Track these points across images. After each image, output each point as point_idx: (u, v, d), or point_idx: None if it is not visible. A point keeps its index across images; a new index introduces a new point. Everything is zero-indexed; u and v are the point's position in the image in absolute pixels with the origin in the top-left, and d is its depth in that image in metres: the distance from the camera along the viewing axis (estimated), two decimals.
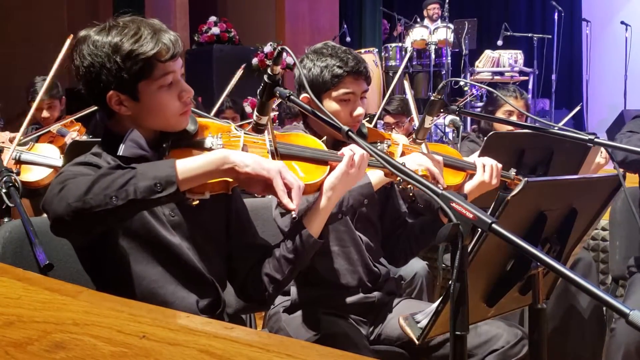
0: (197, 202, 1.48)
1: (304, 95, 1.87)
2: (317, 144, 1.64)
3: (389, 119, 4.30)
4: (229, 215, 1.61)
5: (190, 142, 1.52)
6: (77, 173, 1.35)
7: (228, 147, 1.53)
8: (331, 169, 1.59)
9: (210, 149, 1.51)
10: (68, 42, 2.72)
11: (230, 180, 1.47)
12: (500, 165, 2.02)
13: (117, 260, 1.44)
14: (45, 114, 3.83)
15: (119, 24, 1.45)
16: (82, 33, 1.46)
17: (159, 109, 1.46)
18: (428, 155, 1.83)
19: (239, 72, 4.19)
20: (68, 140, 3.47)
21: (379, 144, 1.96)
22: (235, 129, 1.59)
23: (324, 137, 1.87)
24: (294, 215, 1.40)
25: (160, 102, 1.46)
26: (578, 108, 4.65)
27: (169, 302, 1.44)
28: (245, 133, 1.57)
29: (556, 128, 1.86)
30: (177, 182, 1.27)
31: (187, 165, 1.31)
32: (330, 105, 1.87)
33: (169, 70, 1.45)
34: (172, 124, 1.49)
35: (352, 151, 1.58)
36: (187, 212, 1.50)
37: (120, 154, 1.44)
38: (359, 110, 1.89)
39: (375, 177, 1.80)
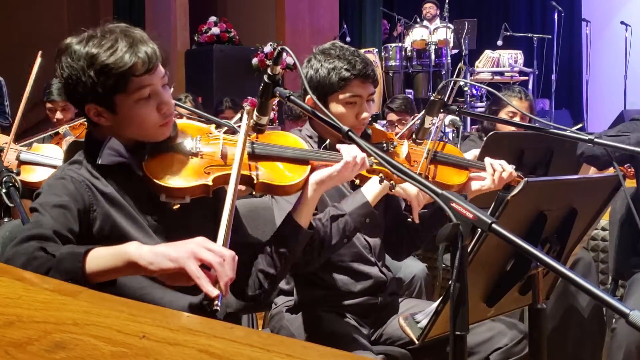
0: (178, 205, 1.48)
1: (309, 96, 1.87)
2: (298, 144, 1.63)
3: (392, 116, 4.29)
4: (217, 215, 1.60)
5: (169, 147, 1.50)
6: (45, 205, 1.36)
7: (207, 149, 1.52)
8: (312, 168, 1.58)
9: (190, 152, 1.50)
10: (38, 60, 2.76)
11: (210, 183, 1.47)
12: (507, 168, 2.01)
13: None
14: (59, 115, 3.84)
15: (96, 35, 1.43)
16: (66, 41, 1.46)
17: (137, 121, 1.45)
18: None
19: None
20: (66, 142, 3.48)
21: (384, 144, 1.96)
22: (223, 129, 1.59)
23: (328, 140, 1.87)
24: (216, 305, 1.21)
25: (138, 115, 1.44)
26: (580, 125, 4.64)
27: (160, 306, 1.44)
28: (224, 134, 1.56)
29: (560, 129, 1.85)
30: (84, 279, 1.21)
31: (97, 260, 1.23)
32: (336, 107, 1.87)
33: (145, 84, 1.43)
34: (151, 135, 1.48)
35: (349, 155, 1.57)
36: (171, 214, 1.49)
37: (100, 163, 1.44)
38: (365, 113, 1.88)
39: (370, 193, 1.78)
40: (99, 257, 1.24)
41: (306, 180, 1.58)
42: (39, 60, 2.80)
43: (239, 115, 4.04)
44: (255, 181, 1.52)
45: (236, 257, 1.26)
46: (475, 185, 2.01)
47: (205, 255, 1.21)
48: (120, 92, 1.42)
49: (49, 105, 3.87)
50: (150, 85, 1.44)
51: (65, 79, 1.44)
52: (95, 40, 1.42)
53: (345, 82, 1.84)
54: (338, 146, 1.61)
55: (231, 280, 1.22)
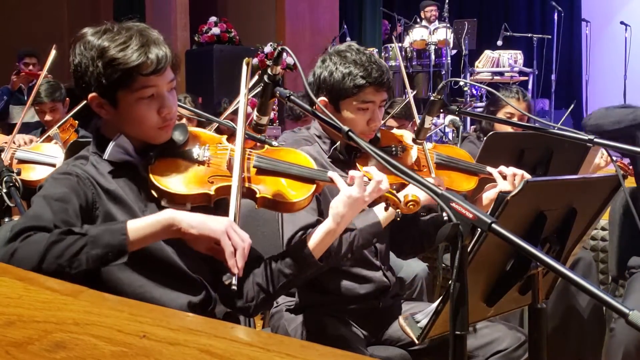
0: None
1: (321, 98, 1.87)
2: (307, 162, 1.61)
3: (391, 122, 4.21)
4: None
5: (178, 152, 1.52)
6: (48, 198, 1.37)
7: (214, 159, 1.53)
8: (317, 188, 1.56)
9: (197, 160, 1.52)
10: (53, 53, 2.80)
11: (212, 193, 1.48)
12: (522, 172, 1.98)
13: (100, 272, 1.43)
14: (47, 117, 3.86)
15: (113, 29, 1.46)
16: (83, 30, 1.49)
17: (135, 119, 1.47)
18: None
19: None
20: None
21: (393, 148, 1.95)
22: (228, 140, 1.59)
23: (338, 142, 1.86)
24: (234, 284, 1.35)
25: (137, 114, 1.46)
26: (572, 106, 4.57)
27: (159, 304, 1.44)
28: (233, 146, 1.56)
29: (556, 128, 1.85)
30: (128, 250, 1.31)
31: (138, 230, 1.33)
32: (348, 112, 1.86)
33: (149, 84, 1.44)
34: (149, 136, 1.50)
35: (354, 173, 1.53)
36: None
37: (106, 158, 1.47)
38: (377, 120, 1.87)
39: (382, 214, 1.76)
40: (139, 228, 1.34)
41: (310, 199, 1.56)
42: (53, 53, 2.84)
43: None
44: (257, 195, 1.51)
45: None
46: (490, 194, 1.98)
47: (236, 236, 1.36)
48: (124, 87, 1.43)
49: (36, 107, 3.90)
50: (155, 87, 1.45)
51: (75, 65, 1.47)
52: (110, 34, 1.45)
53: (359, 89, 1.83)
54: (351, 172, 1.56)
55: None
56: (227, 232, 1.35)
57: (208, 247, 1.39)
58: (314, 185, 1.55)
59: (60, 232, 1.29)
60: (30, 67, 5.56)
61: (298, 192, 1.54)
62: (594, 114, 2.50)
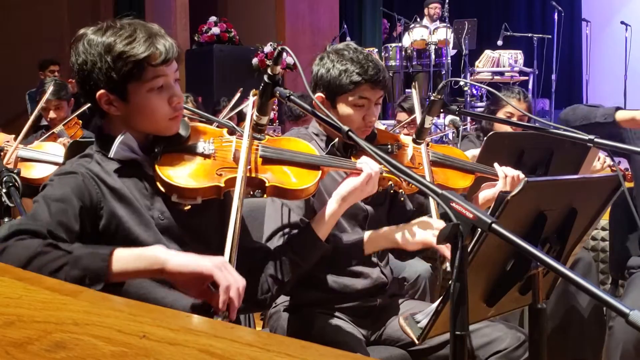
0: (189, 207, 1.49)
1: (318, 94, 1.89)
2: (309, 149, 1.66)
3: (403, 116, 4.21)
4: (223, 218, 1.59)
5: (183, 147, 1.53)
6: (47, 198, 1.37)
7: (220, 152, 1.54)
8: (323, 174, 1.61)
9: (203, 154, 1.52)
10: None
11: (222, 185, 1.48)
12: (518, 172, 2.01)
13: None
14: (52, 114, 3.89)
15: (115, 25, 1.46)
16: (81, 31, 1.48)
17: (147, 111, 1.47)
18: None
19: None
20: (60, 142, 3.52)
21: (389, 146, 1.97)
22: (232, 133, 1.60)
23: (336, 139, 1.88)
24: (227, 317, 1.30)
25: (149, 105, 1.46)
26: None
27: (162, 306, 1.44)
28: (237, 139, 1.57)
29: (560, 129, 1.85)
30: (106, 279, 1.25)
31: (122, 260, 1.27)
32: (344, 108, 1.89)
33: (159, 74, 1.45)
34: (160, 127, 1.50)
35: (370, 168, 1.62)
36: (178, 214, 1.50)
37: (111, 157, 1.46)
38: (372, 116, 1.90)
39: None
40: (124, 258, 1.28)
41: (317, 185, 1.60)
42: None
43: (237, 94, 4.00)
44: (266, 184, 1.54)
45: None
46: (484, 195, 2.01)
47: (227, 275, 1.30)
48: (135, 80, 1.43)
49: (42, 104, 3.91)
50: (164, 76, 1.46)
51: (80, 64, 1.46)
52: (113, 30, 1.45)
53: (355, 85, 1.86)
54: (359, 163, 1.65)
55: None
56: (220, 269, 1.29)
57: (200, 290, 1.31)
58: (320, 171, 1.60)
59: (48, 243, 1.27)
60: (55, 74, 5.75)
61: (305, 179, 1.58)
62: (565, 111, 2.53)
